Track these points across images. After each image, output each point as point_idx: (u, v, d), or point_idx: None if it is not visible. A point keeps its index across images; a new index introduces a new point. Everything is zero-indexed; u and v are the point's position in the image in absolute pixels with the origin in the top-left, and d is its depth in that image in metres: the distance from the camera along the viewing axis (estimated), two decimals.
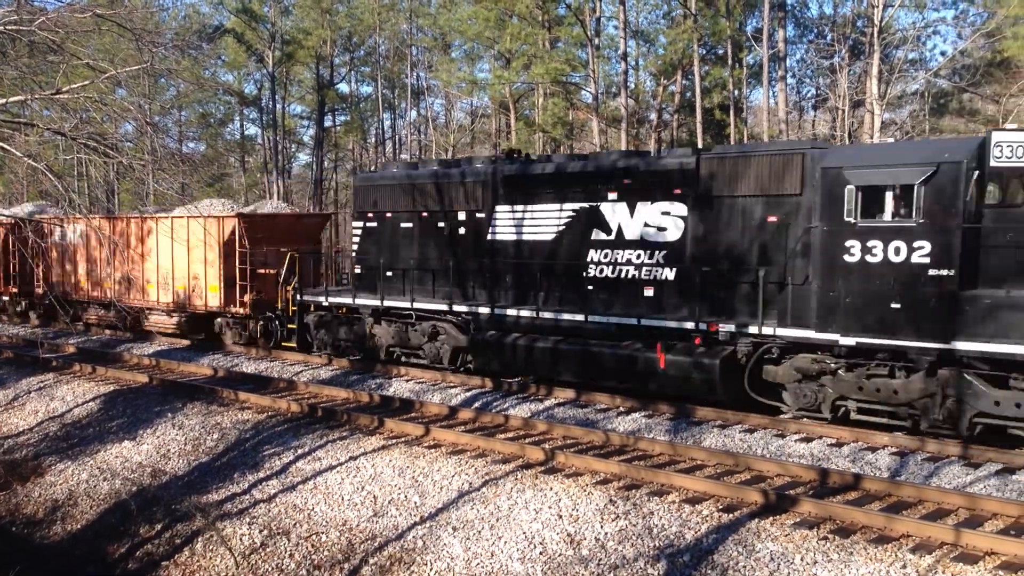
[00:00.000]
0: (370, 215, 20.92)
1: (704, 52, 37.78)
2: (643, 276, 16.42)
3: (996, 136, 13.03)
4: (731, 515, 10.96)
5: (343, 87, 54.25)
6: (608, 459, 13.04)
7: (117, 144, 18.35)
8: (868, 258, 13.54)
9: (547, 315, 17.52)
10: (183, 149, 47.72)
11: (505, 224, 18.49)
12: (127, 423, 17.88)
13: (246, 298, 23.40)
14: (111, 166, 20.75)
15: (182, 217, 24.96)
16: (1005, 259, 12.83)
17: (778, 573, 9.71)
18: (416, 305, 19.54)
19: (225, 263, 23.70)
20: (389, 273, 20.27)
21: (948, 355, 13.00)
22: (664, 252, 16.22)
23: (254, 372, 21.14)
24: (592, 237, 17.14)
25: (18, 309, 31.55)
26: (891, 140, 25.98)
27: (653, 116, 41.61)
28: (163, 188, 23.18)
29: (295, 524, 13.18)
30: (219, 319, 24.69)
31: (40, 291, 29.12)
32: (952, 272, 12.84)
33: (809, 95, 43.00)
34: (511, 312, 18.10)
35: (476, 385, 18.60)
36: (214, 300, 24.16)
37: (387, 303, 19.97)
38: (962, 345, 12.76)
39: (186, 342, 25.43)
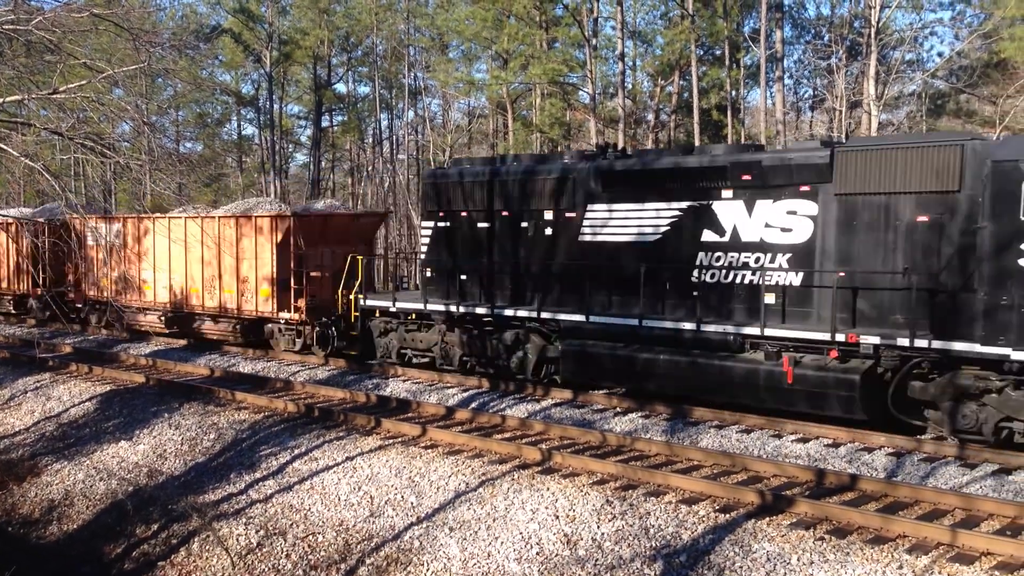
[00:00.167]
0: (442, 215, 19.63)
1: (701, 53, 37.77)
2: (763, 281, 14.98)
3: None
4: (728, 515, 10.96)
5: (340, 87, 54.19)
6: (605, 459, 13.04)
7: (114, 144, 18.35)
8: None
9: (651, 323, 16.02)
10: (180, 149, 47.75)
11: (599, 224, 17.16)
12: (123, 423, 17.86)
13: (300, 303, 22.11)
14: (108, 166, 20.73)
15: (231, 217, 23.66)
16: None
17: (774, 573, 9.72)
18: (497, 311, 18.19)
19: (278, 265, 22.42)
20: (463, 277, 19.10)
21: None
22: (789, 255, 14.89)
23: (251, 372, 21.12)
24: (702, 238, 15.79)
25: (47, 313, 29.42)
26: None
27: (650, 117, 41.62)
28: (160, 188, 23.15)
29: (292, 524, 13.17)
30: (270, 325, 23.29)
31: (75, 294, 27.84)
32: None
33: (806, 96, 43.03)
34: (607, 320, 16.65)
35: (473, 385, 18.60)
36: (265, 305, 22.84)
37: (464, 309, 18.72)
38: None
39: (182, 342, 25.38)
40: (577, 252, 17.42)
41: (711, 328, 15.33)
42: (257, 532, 13.23)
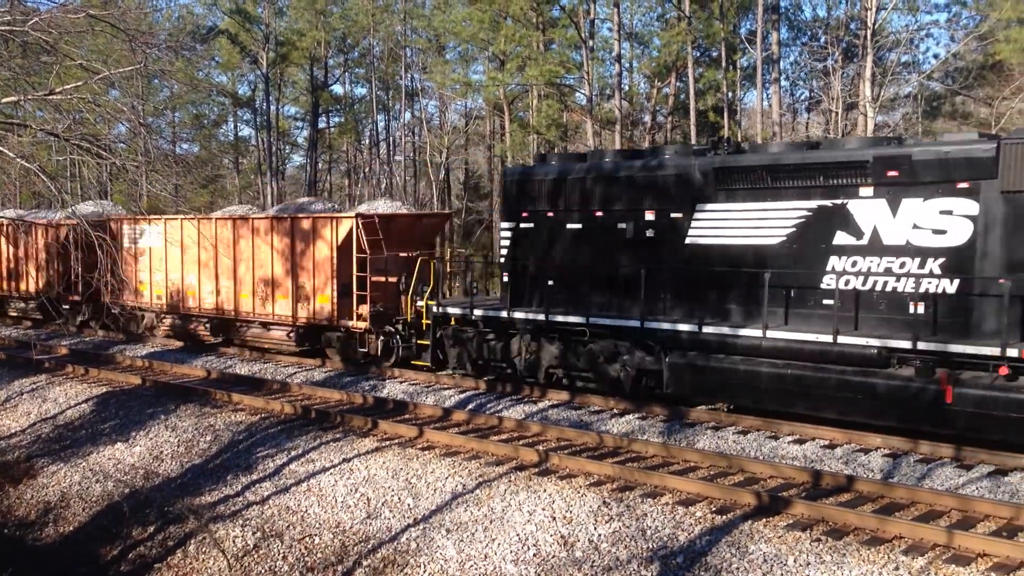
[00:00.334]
0: (525, 215, 18.20)
1: (698, 54, 37.82)
2: (910, 289, 13.55)
3: None
4: (724, 517, 10.97)
5: (337, 88, 54.21)
6: (602, 461, 13.05)
7: (110, 145, 18.33)
8: None
9: (775, 336, 14.49)
10: (177, 150, 47.73)
11: (710, 226, 15.73)
12: (120, 425, 17.83)
13: (363, 309, 20.59)
14: (104, 167, 20.75)
15: (286, 218, 22.21)
16: None
17: (771, 574, 9.73)
18: (593, 320, 16.76)
19: (339, 269, 20.90)
20: (550, 283, 17.52)
21: None
22: (942, 259, 13.36)
23: (247, 374, 21.09)
24: (834, 241, 14.32)
25: (80, 319, 28.46)
26: None
27: (647, 118, 41.64)
28: (156, 189, 22.98)
29: (288, 526, 13.16)
30: (328, 333, 21.70)
31: (111, 300, 26.56)
32: None
33: (803, 97, 43.06)
34: (723, 330, 15.14)
35: (470, 387, 18.59)
36: (324, 312, 21.30)
37: (554, 317, 17.20)
38: None
39: (179, 343, 25.33)
40: (684, 256, 16.02)
41: (848, 341, 13.74)
42: (254, 534, 13.22)
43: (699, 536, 10.65)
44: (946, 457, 12.93)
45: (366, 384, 19.50)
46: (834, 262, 14.39)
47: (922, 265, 13.60)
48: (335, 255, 20.96)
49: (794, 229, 14.81)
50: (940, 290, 13.43)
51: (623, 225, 16.67)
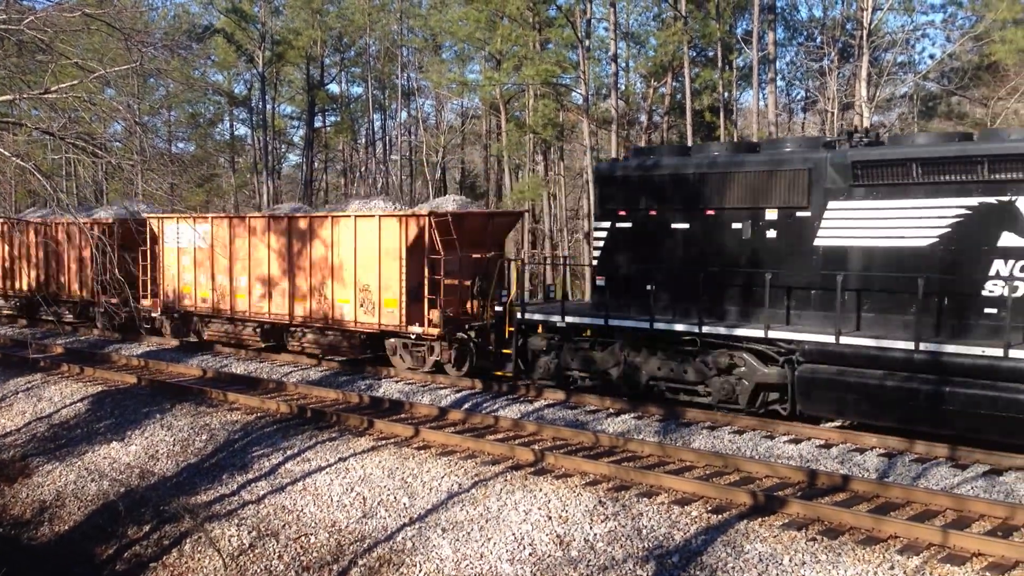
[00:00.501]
0: (622, 214, 16.85)
1: (694, 54, 37.86)
2: None
3: None
4: (720, 516, 10.98)
5: (333, 88, 54.22)
6: (598, 460, 13.05)
7: (106, 144, 18.28)
8: None
9: (930, 348, 13.01)
10: (172, 149, 47.67)
11: (844, 225, 14.33)
12: (115, 424, 17.81)
13: (434, 314, 19.14)
14: (100, 166, 20.66)
15: (348, 216, 20.61)
16: None
17: (767, 574, 9.74)
18: (707, 328, 15.37)
19: (408, 271, 19.40)
20: (650, 287, 16.12)
21: None
22: None
23: (243, 373, 21.07)
24: (999, 243, 12.90)
25: (114, 323, 27.08)
26: None
27: (643, 118, 41.68)
28: (152, 188, 22.90)
29: (284, 525, 13.15)
30: (393, 340, 20.23)
31: (150, 302, 25.28)
32: None
33: (799, 97, 43.17)
34: (865, 343, 13.69)
35: (466, 386, 18.59)
36: (391, 317, 19.72)
37: (660, 325, 15.91)
38: None
39: (175, 342, 25.28)
40: (812, 259, 14.63)
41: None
42: (249, 533, 13.21)
43: (695, 535, 10.66)
44: (941, 457, 12.95)
45: (362, 383, 19.49)
46: (999, 266, 12.94)
47: None
48: (405, 256, 19.43)
49: (949, 229, 13.38)
50: None
51: (738, 225, 15.37)
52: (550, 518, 11.57)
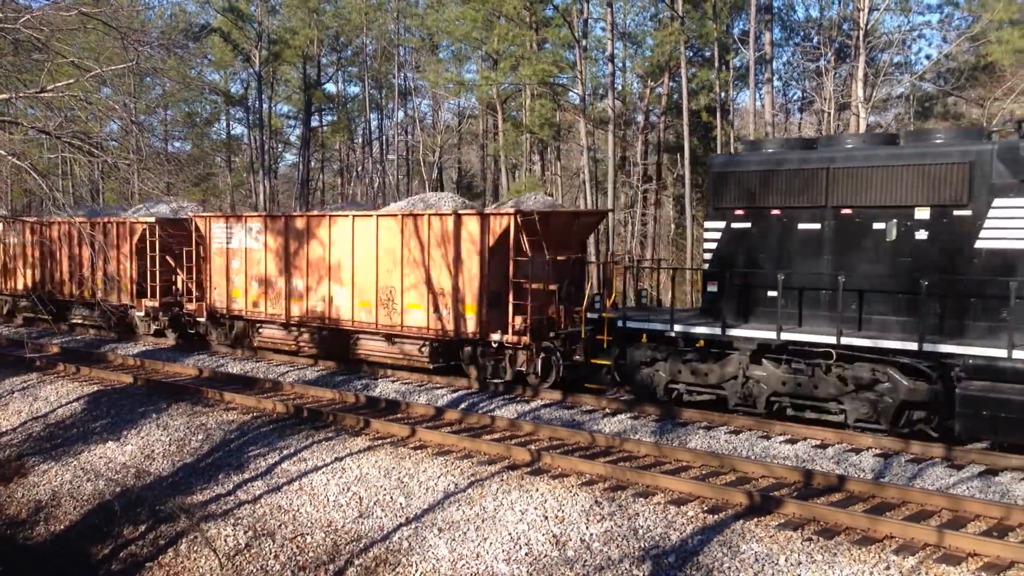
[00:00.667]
0: (739, 213, 15.59)
1: (691, 54, 37.87)
2: None
3: None
4: (716, 516, 10.99)
5: (330, 87, 54.19)
6: (594, 460, 13.06)
7: (102, 143, 18.28)
8: None
9: None
10: (169, 148, 47.65)
11: (1014, 226, 12.98)
12: (111, 423, 17.79)
13: (518, 321, 17.71)
14: (96, 165, 20.66)
15: (421, 215, 19.18)
16: None
17: (762, 574, 9.75)
18: (848, 340, 13.91)
19: (489, 275, 18.01)
20: (772, 293, 14.82)
21: None
22: None
23: (239, 373, 21.05)
24: None
25: (156, 327, 25.79)
26: None
27: (640, 118, 41.69)
28: (148, 187, 22.86)
29: (280, 525, 13.14)
30: (468, 348, 18.78)
31: (195, 307, 23.95)
32: None
33: (795, 98, 43.20)
34: None
35: (462, 386, 18.58)
36: (468, 323, 18.34)
37: (789, 335, 14.53)
38: None
39: (170, 342, 25.22)
40: (972, 263, 13.35)
41: None
42: (245, 533, 13.20)
43: (691, 535, 10.67)
44: (937, 457, 12.97)
45: (358, 383, 19.48)
46: None
47: None
48: (485, 258, 18.02)
49: None
50: None
51: (880, 225, 14.09)
52: (546, 518, 11.58)
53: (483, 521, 11.83)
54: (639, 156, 40.03)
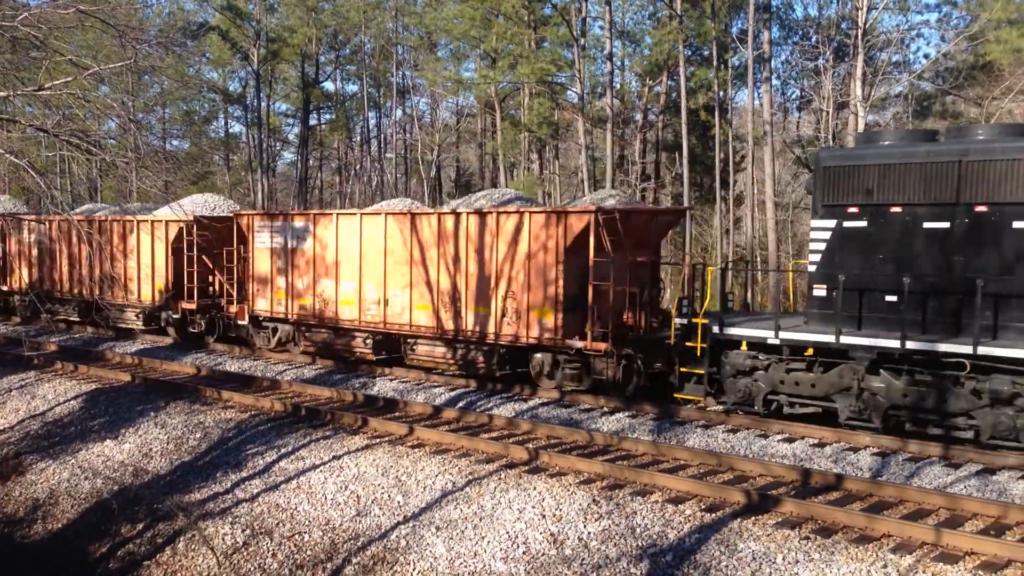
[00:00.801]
0: (853, 211, 14.29)
1: (689, 53, 37.88)
2: None
3: None
4: (714, 515, 11.00)
5: (328, 85, 54.20)
6: (592, 459, 13.06)
7: (100, 141, 18.26)
8: None
9: None
10: (167, 146, 47.65)
11: None
12: (109, 422, 17.77)
13: (599, 327, 16.68)
14: (94, 163, 20.66)
15: (490, 212, 18.10)
16: None
17: (760, 573, 9.75)
18: (985, 350, 12.62)
19: (565, 276, 16.93)
20: (891, 298, 13.80)
21: None
22: None
23: (237, 371, 21.04)
24: None
25: (192, 330, 24.56)
26: None
27: (638, 117, 41.72)
28: (146, 186, 22.79)
29: (278, 524, 13.14)
30: (540, 355, 17.67)
31: (236, 309, 22.93)
32: None
33: (794, 96, 43.25)
34: None
35: (460, 385, 18.58)
36: (542, 329, 17.24)
37: (915, 344, 13.21)
38: None
39: (168, 340, 25.20)
40: None
41: None
42: (243, 531, 13.20)
43: (688, 534, 10.68)
44: (934, 456, 12.98)
45: (356, 382, 19.47)
46: None
47: None
48: (562, 259, 16.98)
49: None
50: None
51: (1020, 224, 12.81)
52: (544, 516, 11.58)
53: (481, 520, 11.83)
54: (637, 155, 40.07)
